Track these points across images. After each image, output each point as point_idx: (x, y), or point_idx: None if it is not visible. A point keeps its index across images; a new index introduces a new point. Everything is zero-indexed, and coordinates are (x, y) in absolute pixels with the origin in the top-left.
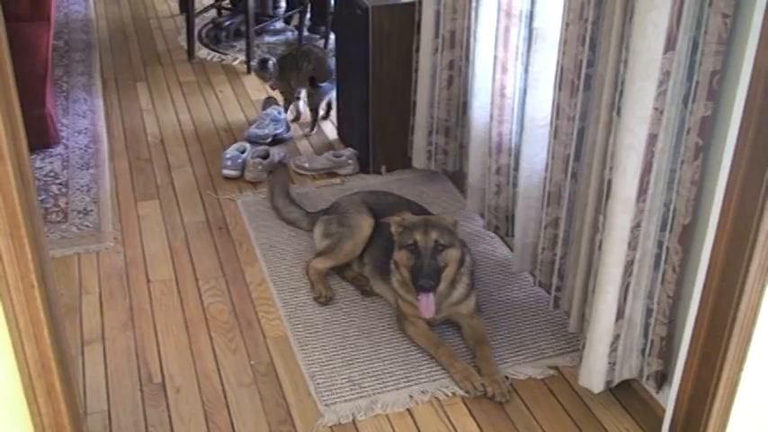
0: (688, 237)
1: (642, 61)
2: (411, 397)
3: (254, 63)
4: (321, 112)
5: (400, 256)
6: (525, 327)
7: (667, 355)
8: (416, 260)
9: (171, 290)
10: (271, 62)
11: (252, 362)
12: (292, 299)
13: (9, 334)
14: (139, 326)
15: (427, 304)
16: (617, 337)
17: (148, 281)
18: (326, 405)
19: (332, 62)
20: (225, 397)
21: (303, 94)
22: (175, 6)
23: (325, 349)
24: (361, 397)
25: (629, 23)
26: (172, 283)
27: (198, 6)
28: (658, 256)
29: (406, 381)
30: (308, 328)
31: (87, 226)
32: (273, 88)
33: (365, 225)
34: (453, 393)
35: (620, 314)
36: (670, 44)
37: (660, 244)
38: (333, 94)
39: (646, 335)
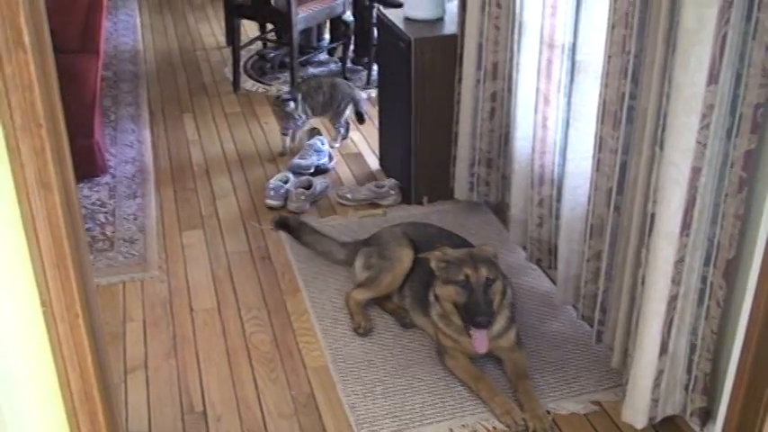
0: (732, 271)
1: (685, 95)
2: (451, 430)
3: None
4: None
5: (447, 291)
6: (568, 361)
7: (711, 391)
8: (469, 296)
9: (213, 319)
10: (291, 101)
11: (292, 392)
12: (333, 329)
13: (54, 362)
14: (182, 354)
15: (482, 339)
16: (660, 373)
17: (191, 310)
18: None
19: (341, 82)
20: (265, 427)
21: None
22: (222, 39)
23: (366, 380)
24: (400, 429)
25: (671, 57)
26: (214, 313)
27: (244, 39)
28: (702, 291)
29: (446, 414)
30: (349, 359)
31: (133, 254)
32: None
33: (405, 258)
34: (494, 428)
35: (663, 349)
36: (713, 77)
37: (704, 279)
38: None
39: (690, 371)
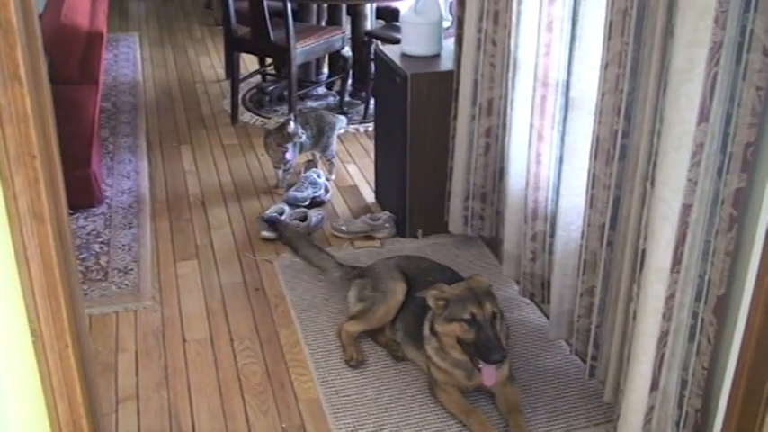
0: (723, 308)
1: (675, 133)
2: None
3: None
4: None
5: (451, 328)
6: (560, 396)
7: (702, 427)
8: (478, 333)
9: (206, 350)
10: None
11: (283, 425)
12: (325, 362)
13: (43, 392)
14: (173, 385)
15: (491, 373)
16: (651, 409)
17: (184, 340)
18: None
19: (325, 113)
20: None
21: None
22: (221, 72)
23: (357, 413)
24: None
25: (662, 95)
26: (207, 343)
27: (243, 72)
28: (693, 327)
29: None
30: (341, 391)
31: (126, 285)
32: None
33: (398, 291)
34: None
35: (654, 385)
36: (703, 116)
37: (695, 315)
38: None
39: (681, 406)
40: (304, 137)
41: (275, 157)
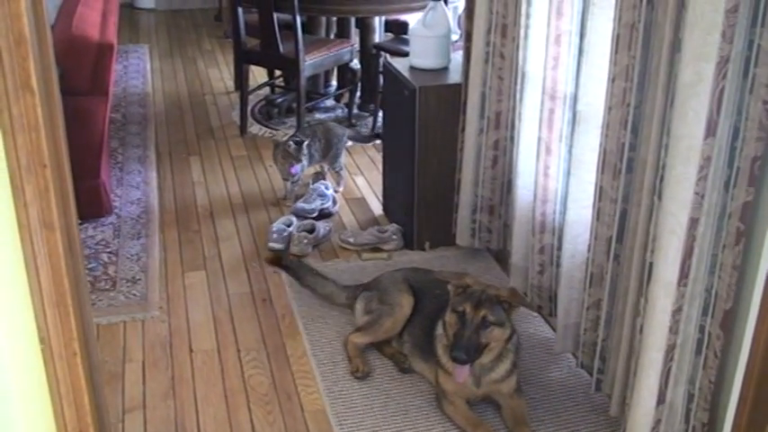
0: (730, 322)
1: (683, 146)
2: None
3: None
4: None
5: (450, 317)
6: (566, 409)
7: None
8: (459, 329)
9: (213, 360)
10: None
11: None
12: (332, 373)
13: (51, 400)
14: (180, 395)
15: (461, 370)
16: (658, 423)
17: (191, 350)
18: None
19: (332, 125)
20: None
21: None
22: (231, 84)
23: (363, 425)
24: None
25: (670, 109)
26: (214, 354)
27: (252, 84)
28: (700, 341)
29: None
30: (347, 402)
31: (135, 294)
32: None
33: (405, 304)
34: None
35: (661, 399)
36: (710, 130)
37: (702, 329)
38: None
39: (687, 421)
40: (305, 160)
41: (283, 170)
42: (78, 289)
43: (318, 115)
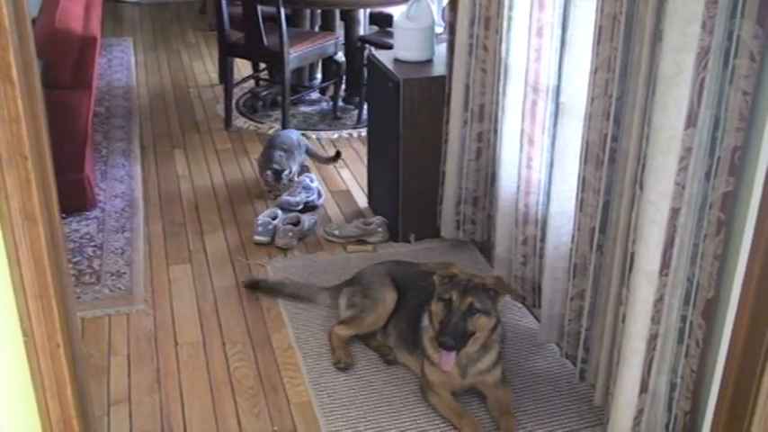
0: (711, 311)
1: (663, 137)
2: None
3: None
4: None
5: (436, 307)
6: (551, 399)
7: (691, 429)
8: (446, 316)
9: (198, 353)
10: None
11: (275, 428)
12: (317, 365)
13: (34, 392)
14: (165, 388)
15: (448, 359)
16: (641, 412)
17: (176, 344)
18: None
19: (286, 138)
20: None
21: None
22: (215, 77)
23: (349, 416)
24: None
25: (651, 100)
26: (199, 347)
27: (237, 77)
28: (682, 330)
29: None
30: (332, 394)
31: (119, 288)
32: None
33: (388, 298)
34: None
35: (643, 388)
36: (691, 120)
37: (684, 318)
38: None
39: (670, 409)
40: (288, 170)
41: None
42: (61, 281)
43: (303, 108)
